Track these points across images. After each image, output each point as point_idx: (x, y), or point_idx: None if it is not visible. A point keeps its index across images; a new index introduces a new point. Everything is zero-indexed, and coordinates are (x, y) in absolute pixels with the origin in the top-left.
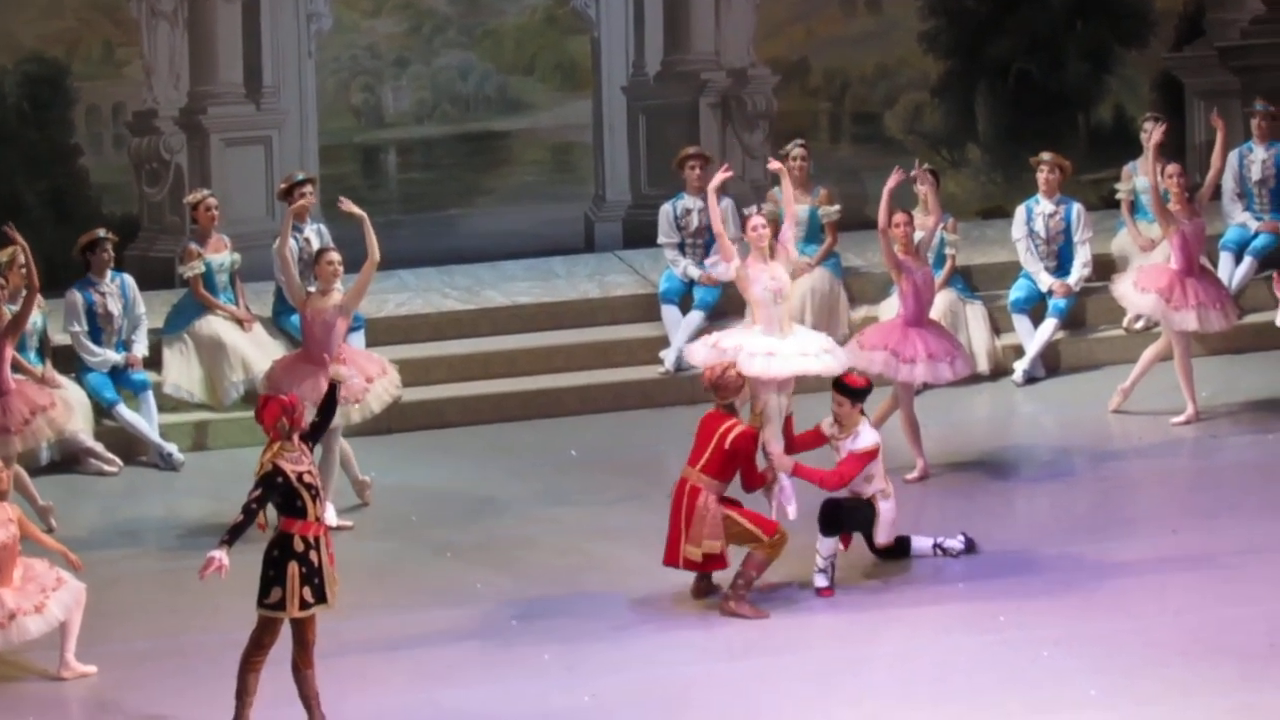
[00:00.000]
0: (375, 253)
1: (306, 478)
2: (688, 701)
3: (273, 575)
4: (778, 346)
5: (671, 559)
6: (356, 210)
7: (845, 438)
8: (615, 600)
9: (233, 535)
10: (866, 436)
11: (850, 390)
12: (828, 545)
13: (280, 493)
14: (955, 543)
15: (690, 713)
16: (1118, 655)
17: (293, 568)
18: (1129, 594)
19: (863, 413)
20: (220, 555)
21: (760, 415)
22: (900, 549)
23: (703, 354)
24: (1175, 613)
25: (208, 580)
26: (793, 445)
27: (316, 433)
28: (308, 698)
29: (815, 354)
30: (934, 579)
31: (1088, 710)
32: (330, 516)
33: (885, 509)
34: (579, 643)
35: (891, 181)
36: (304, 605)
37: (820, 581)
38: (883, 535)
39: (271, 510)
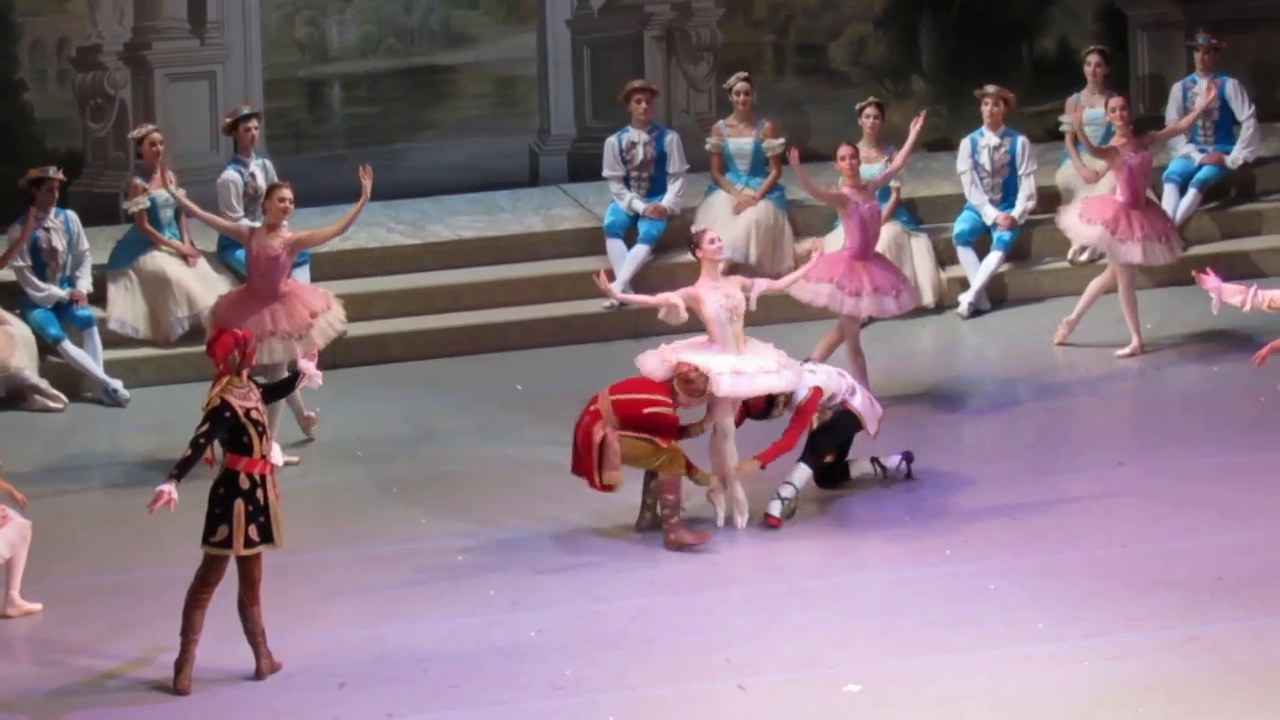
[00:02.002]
0: (344, 228)
1: (254, 414)
2: (632, 635)
3: (219, 513)
4: (741, 364)
5: (590, 482)
6: (366, 185)
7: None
8: (560, 535)
9: (181, 469)
10: (821, 372)
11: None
12: (802, 475)
13: (227, 428)
14: (894, 460)
15: (635, 646)
16: (1064, 588)
17: (239, 505)
18: (1075, 526)
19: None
20: (169, 489)
21: (703, 431)
22: (842, 472)
23: (653, 363)
24: (1121, 545)
25: (155, 515)
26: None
27: (267, 397)
28: (253, 634)
29: (776, 370)
30: (880, 512)
31: (1034, 643)
32: (276, 455)
33: (860, 403)
34: (524, 577)
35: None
36: (249, 543)
37: (774, 510)
38: (871, 425)
39: (218, 446)
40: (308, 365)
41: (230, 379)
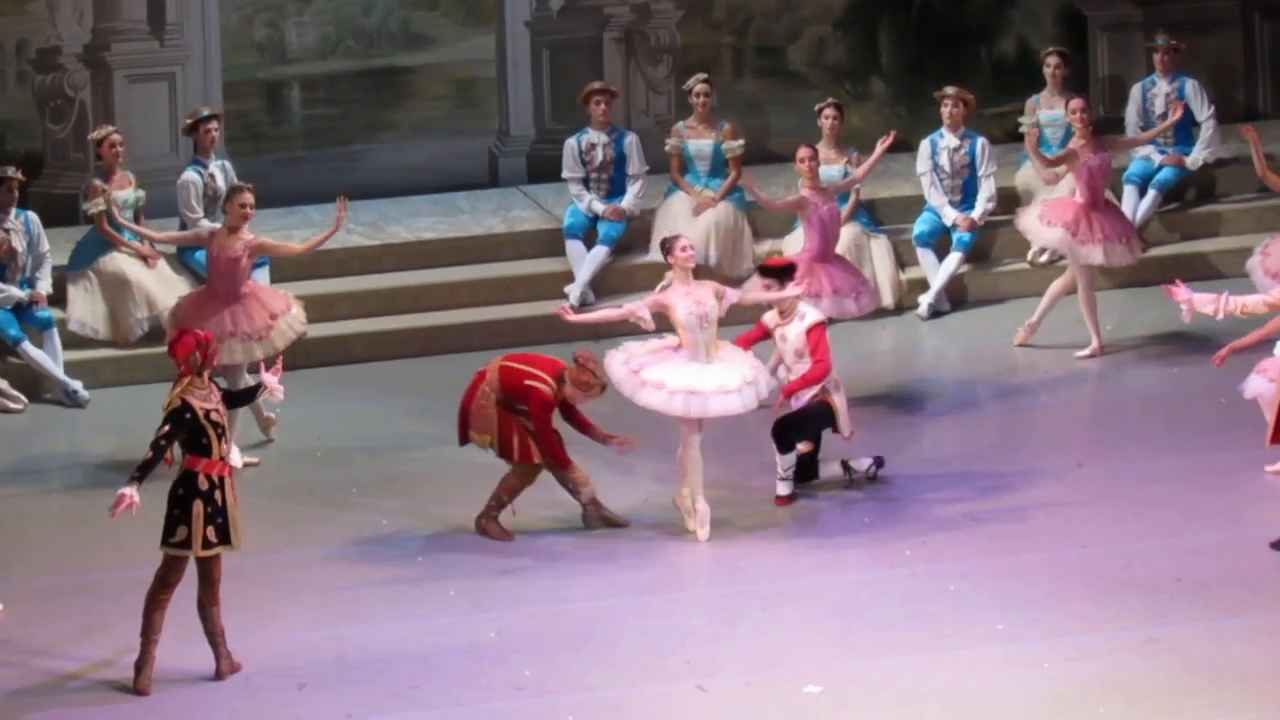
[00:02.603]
0: (307, 252)
1: (214, 415)
2: (592, 636)
3: (177, 514)
4: (698, 381)
5: (460, 436)
6: (340, 216)
7: (788, 322)
8: (520, 535)
9: (142, 472)
10: (812, 312)
11: (776, 271)
12: (787, 460)
13: (187, 429)
14: (863, 463)
15: (595, 648)
16: (1024, 589)
17: (197, 506)
18: (1035, 528)
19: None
20: (130, 492)
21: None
22: (811, 469)
23: (620, 373)
24: (1081, 546)
25: (116, 517)
26: (745, 342)
27: (227, 404)
28: (213, 635)
29: (738, 388)
30: (840, 513)
31: (994, 644)
32: (235, 458)
33: (840, 399)
34: (484, 578)
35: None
36: (207, 544)
37: (782, 490)
38: (845, 426)
39: (178, 447)
40: (270, 379)
41: (191, 380)
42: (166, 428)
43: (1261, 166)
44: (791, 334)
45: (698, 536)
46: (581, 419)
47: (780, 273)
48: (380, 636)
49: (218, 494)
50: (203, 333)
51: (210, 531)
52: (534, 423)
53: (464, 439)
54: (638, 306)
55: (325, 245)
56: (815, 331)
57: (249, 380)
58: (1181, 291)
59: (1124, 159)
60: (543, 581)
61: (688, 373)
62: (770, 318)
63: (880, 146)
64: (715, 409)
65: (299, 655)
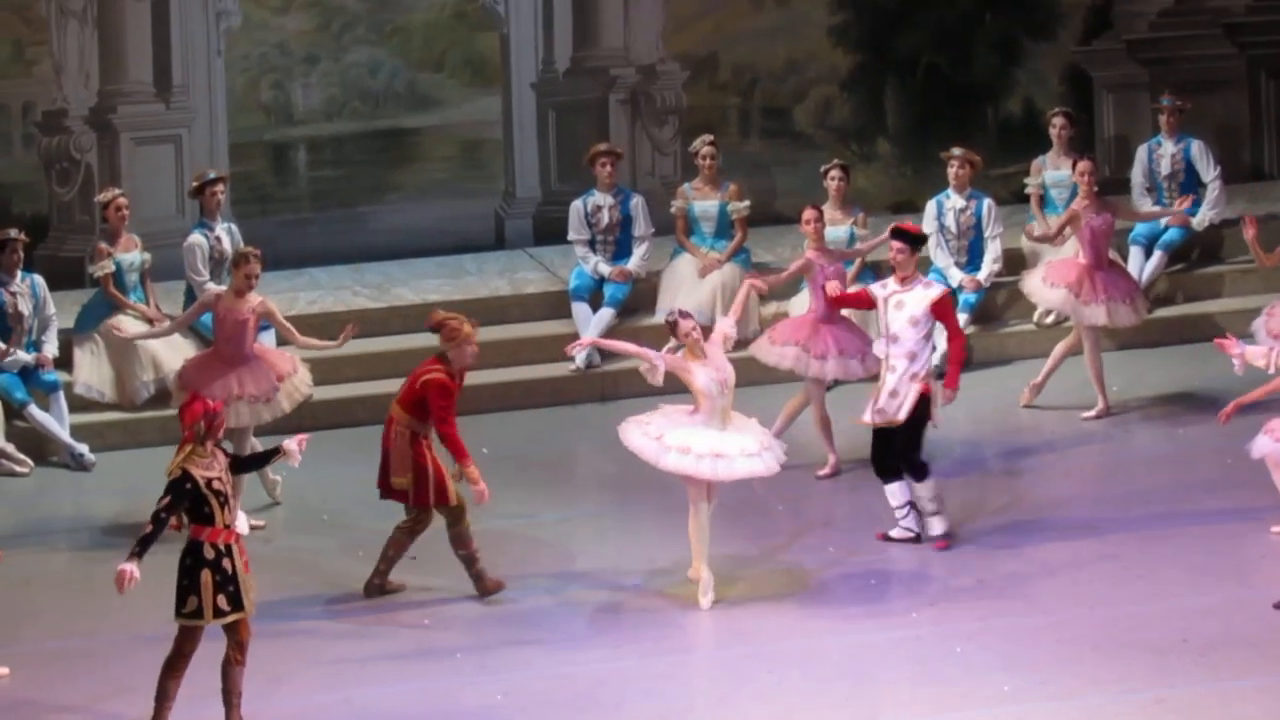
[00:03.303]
0: (303, 345)
1: (215, 484)
2: (598, 700)
3: (187, 584)
4: (724, 446)
5: (380, 485)
6: (343, 339)
7: (908, 289)
8: (527, 598)
9: (142, 546)
10: (937, 284)
11: (911, 236)
12: (930, 488)
13: (188, 499)
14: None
15: (602, 710)
16: (1031, 650)
17: (205, 576)
18: (1042, 589)
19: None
20: (131, 568)
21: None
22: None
23: (640, 441)
24: (1089, 607)
25: (123, 594)
26: (841, 303)
27: (238, 468)
28: (229, 693)
29: (758, 452)
30: (845, 574)
31: (1001, 706)
32: (242, 524)
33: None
34: (491, 641)
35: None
36: (219, 613)
37: (938, 528)
38: (938, 415)
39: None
40: (292, 446)
41: (194, 448)
42: (167, 499)
43: (1260, 259)
44: (911, 301)
45: (700, 604)
46: None
47: (914, 239)
48: (389, 699)
49: (225, 561)
50: (214, 403)
51: (222, 599)
52: (439, 424)
53: (384, 485)
54: (655, 356)
55: (330, 308)
56: (944, 302)
57: (255, 444)
58: (1233, 345)
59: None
60: (549, 644)
61: (709, 437)
62: (883, 286)
63: (878, 240)
64: (741, 470)
65: (309, 718)
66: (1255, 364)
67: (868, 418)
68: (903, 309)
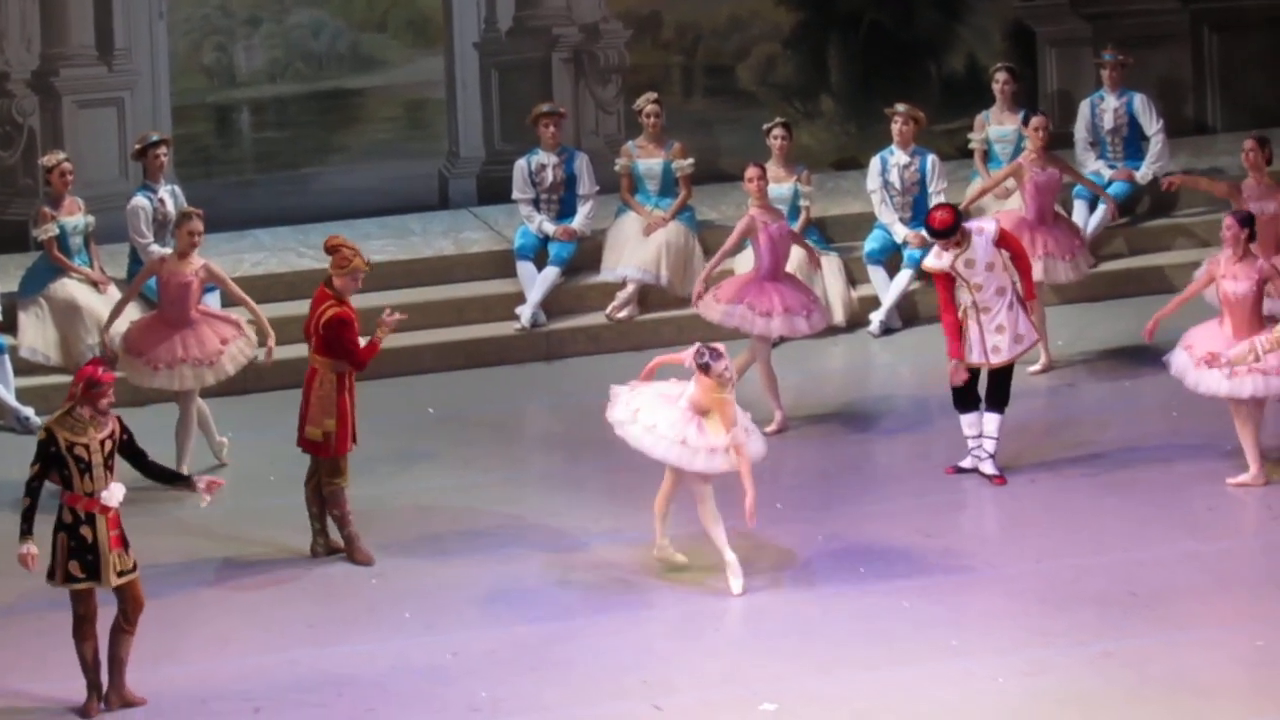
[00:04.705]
0: (248, 308)
1: (80, 450)
2: (548, 657)
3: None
4: (691, 435)
5: (300, 439)
6: (269, 342)
7: (964, 249)
8: (475, 557)
9: (26, 522)
10: (984, 223)
11: (945, 232)
12: (993, 422)
13: (53, 461)
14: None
15: (551, 668)
16: (977, 605)
17: (61, 539)
18: (989, 543)
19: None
20: (26, 549)
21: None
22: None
23: (630, 428)
24: (1035, 561)
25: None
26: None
27: (147, 471)
28: (114, 660)
29: (725, 448)
30: (795, 533)
31: (948, 660)
32: (113, 496)
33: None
34: (439, 600)
35: None
36: (70, 578)
37: (988, 468)
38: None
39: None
40: (200, 486)
41: (68, 411)
42: (36, 465)
43: (1209, 185)
44: (978, 250)
45: (731, 589)
46: None
47: (943, 233)
48: (336, 659)
49: (84, 529)
50: (104, 374)
51: (75, 566)
52: (352, 355)
53: (303, 437)
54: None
55: (275, 270)
56: (1002, 233)
57: (202, 404)
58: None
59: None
60: (498, 603)
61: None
62: (942, 261)
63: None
64: (700, 465)
65: (255, 679)
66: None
67: (978, 359)
68: (973, 265)
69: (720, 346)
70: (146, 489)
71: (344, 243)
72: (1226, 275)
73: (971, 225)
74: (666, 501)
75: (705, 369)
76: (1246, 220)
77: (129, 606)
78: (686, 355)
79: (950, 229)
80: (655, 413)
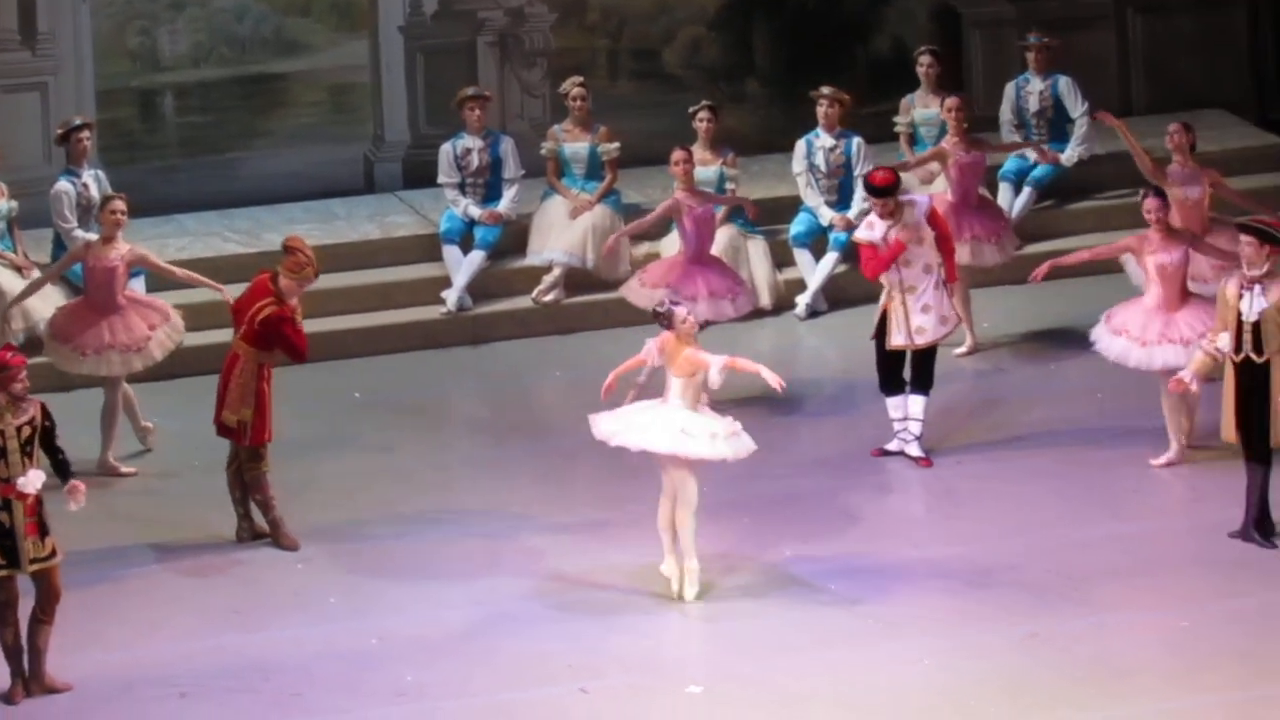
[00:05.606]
0: (183, 280)
1: None
2: (474, 642)
3: None
4: (692, 425)
5: (216, 420)
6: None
7: (897, 220)
8: (401, 542)
9: None
10: (916, 198)
11: (886, 189)
12: (918, 405)
13: None
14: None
15: (477, 653)
16: (905, 586)
17: None
18: (915, 525)
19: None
20: None
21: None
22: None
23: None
24: (963, 543)
25: None
26: (882, 264)
27: (55, 462)
28: (33, 650)
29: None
30: (720, 516)
31: (876, 642)
32: (30, 482)
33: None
34: (364, 585)
35: None
36: None
37: (914, 450)
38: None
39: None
40: (77, 492)
41: None
42: None
43: (1139, 152)
44: (910, 222)
45: (684, 597)
46: None
47: (888, 191)
48: (262, 645)
49: (2, 515)
50: (14, 359)
51: None
52: (298, 354)
53: (221, 423)
54: (650, 355)
55: (200, 254)
56: (933, 211)
57: (128, 389)
58: (1187, 377)
59: (999, 155)
60: (423, 587)
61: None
62: (874, 233)
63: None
64: (703, 452)
65: (181, 665)
66: (1207, 367)
67: (901, 341)
68: (908, 228)
69: (676, 296)
70: (76, 475)
71: (302, 247)
72: (1158, 250)
73: (905, 197)
74: (670, 515)
75: (669, 321)
76: (1162, 193)
77: (46, 596)
78: (646, 354)
79: (891, 187)
80: (646, 414)
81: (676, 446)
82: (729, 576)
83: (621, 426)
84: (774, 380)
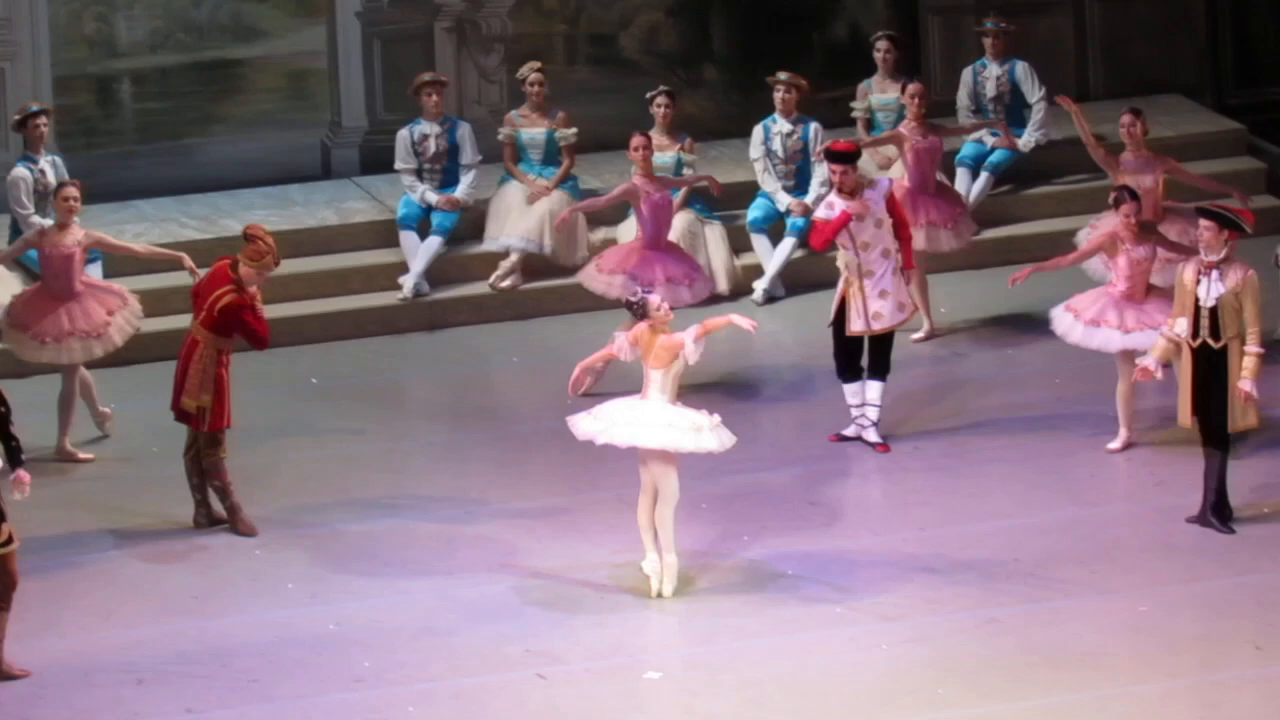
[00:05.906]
0: (145, 256)
1: None
2: (432, 627)
3: None
4: (675, 418)
5: (174, 406)
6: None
7: (857, 199)
8: (359, 527)
9: None
10: (879, 181)
11: (846, 155)
12: (876, 390)
13: None
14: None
15: (435, 638)
16: (862, 572)
17: None
18: (872, 510)
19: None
20: None
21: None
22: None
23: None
24: (919, 529)
25: None
26: (825, 236)
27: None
28: None
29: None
30: (678, 501)
31: (833, 627)
32: None
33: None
34: (322, 571)
35: None
36: None
37: (872, 436)
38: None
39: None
40: (21, 483)
41: None
42: None
43: (1091, 140)
44: (871, 203)
45: (662, 592)
46: None
47: (850, 157)
48: (219, 630)
49: None
50: None
51: None
52: (260, 341)
53: (179, 409)
54: (621, 349)
55: (160, 240)
56: (893, 195)
57: (86, 374)
58: (1151, 369)
59: (956, 140)
60: (381, 573)
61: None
62: (829, 207)
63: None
64: (689, 445)
65: (138, 650)
66: (1170, 353)
67: (860, 326)
68: (864, 220)
69: (637, 285)
70: (29, 460)
71: (263, 235)
72: (1131, 246)
73: (868, 183)
74: (650, 512)
75: (643, 311)
76: (1135, 195)
77: (2, 583)
78: (617, 348)
79: (853, 154)
80: (630, 410)
81: (665, 441)
82: (687, 560)
83: (605, 425)
84: (746, 323)
